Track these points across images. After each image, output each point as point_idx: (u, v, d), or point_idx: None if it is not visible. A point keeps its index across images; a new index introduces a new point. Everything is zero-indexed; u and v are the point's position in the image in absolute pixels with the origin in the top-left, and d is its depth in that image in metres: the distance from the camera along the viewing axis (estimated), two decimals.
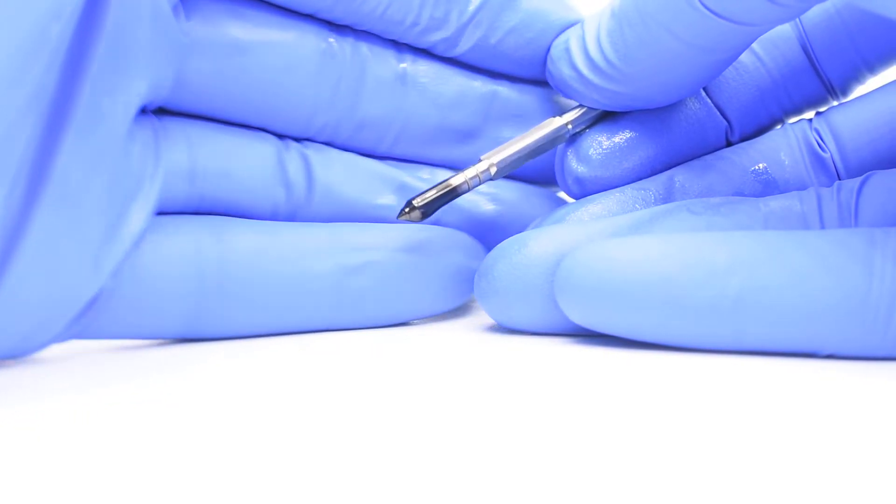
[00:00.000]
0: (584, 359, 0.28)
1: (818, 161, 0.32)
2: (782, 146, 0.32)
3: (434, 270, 0.32)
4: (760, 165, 0.32)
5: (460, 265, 0.33)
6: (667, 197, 0.32)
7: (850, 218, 0.30)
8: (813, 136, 0.32)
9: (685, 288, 0.27)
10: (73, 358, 0.29)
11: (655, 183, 0.32)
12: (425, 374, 0.27)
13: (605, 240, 0.29)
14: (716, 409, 0.23)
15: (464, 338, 0.31)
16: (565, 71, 0.31)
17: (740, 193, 0.32)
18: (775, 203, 0.30)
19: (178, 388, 0.25)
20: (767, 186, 0.32)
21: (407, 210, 0.30)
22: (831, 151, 0.32)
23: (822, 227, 0.30)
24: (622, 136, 0.32)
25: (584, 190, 0.32)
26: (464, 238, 0.33)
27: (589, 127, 0.32)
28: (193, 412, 0.23)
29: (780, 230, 0.29)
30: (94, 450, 0.20)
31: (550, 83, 0.33)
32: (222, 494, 0.18)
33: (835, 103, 0.33)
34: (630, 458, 0.20)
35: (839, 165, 0.32)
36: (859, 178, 0.30)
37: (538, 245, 0.30)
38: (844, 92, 0.33)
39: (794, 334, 0.27)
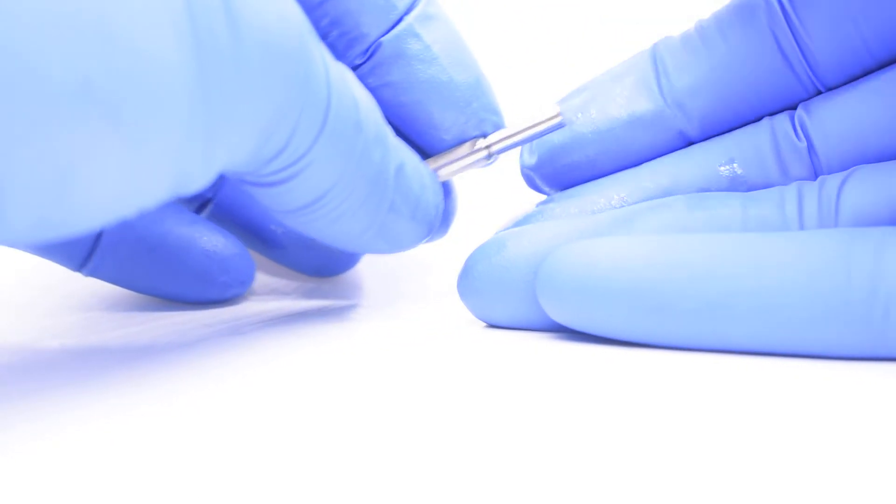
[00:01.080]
0: (569, 355, 0.28)
1: (794, 151, 0.32)
2: (754, 137, 0.32)
3: None
4: (728, 161, 0.32)
5: None
6: (631, 193, 0.33)
7: (831, 216, 0.29)
8: (790, 125, 0.32)
9: (667, 291, 0.27)
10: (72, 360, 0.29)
11: (619, 182, 0.33)
12: (416, 370, 0.27)
13: (586, 239, 0.29)
14: (698, 407, 0.23)
15: (452, 333, 0.32)
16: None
17: (706, 189, 0.32)
18: (756, 200, 0.30)
19: (163, 383, 0.26)
20: (734, 182, 0.32)
21: None
22: (812, 140, 0.31)
23: (802, 224, 0.30)
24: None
25: (537, 181, 0.35)
26: None
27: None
28: (178, 412, 0.23)
29: (762, 232, 0.28)
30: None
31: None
32: (215, 494, 0.18)
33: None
34: (610, 455, 0.20)
35: (820, 153, 0.31)
36: (842, 175, 0.30)
37: (516, 246, 0.31)
38: (835, 84, 0.32)
39: (774, 337, 0.27)
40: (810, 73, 0.32)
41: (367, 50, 0.33)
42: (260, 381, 0.26)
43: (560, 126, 0.32)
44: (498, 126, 0.33)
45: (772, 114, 0.33)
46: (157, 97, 0.21)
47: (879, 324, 0.25)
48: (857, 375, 0.25)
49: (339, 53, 0.33)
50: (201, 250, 0.36)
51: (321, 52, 0.27)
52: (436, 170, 0.33)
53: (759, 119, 0.33)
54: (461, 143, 0.33)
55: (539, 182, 0.35)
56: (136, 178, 0.21)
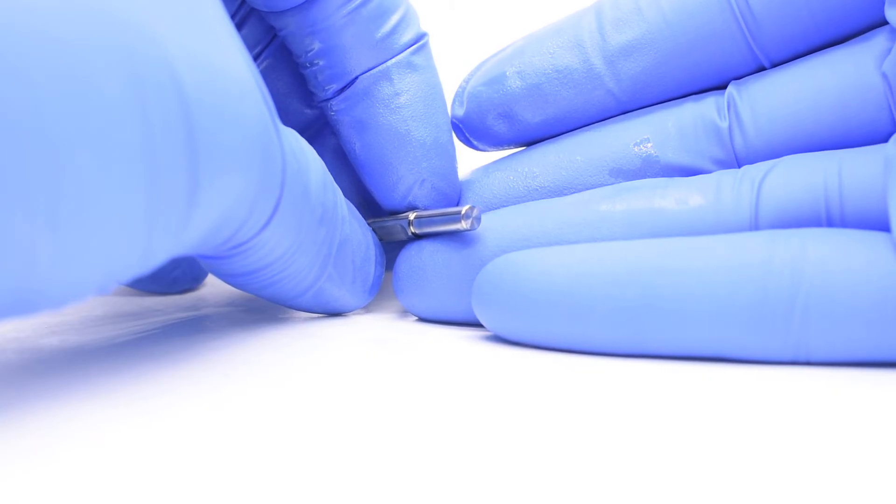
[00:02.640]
0: (501, 358, 0.29)
1: (713, 133, 0.31)
2: (674, 116, 0.32)
3: None
4: (643, 140, 0.32)
5: None
6: (544, 172, 0.34)
7: (752, 210, 0.29)
8: (714, 105, 0.32)
9: (585, 298, 0.28)
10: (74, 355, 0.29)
11: (533, 157, 0.34)
12: (411, 378, 0.27)
13: (513, 252, 0.30)
14: (623, 412, 0.23)
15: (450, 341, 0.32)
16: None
17: (618, 170, 0.32)
18: (675, 190, 0.30)
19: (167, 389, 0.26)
20: (646, 163, 0.32)
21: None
22: (741, 118, 0.31)
23: (720, 217, 0.29)
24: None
25: (466, 134, 0.35)
26: None
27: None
28: (180, 419, 0.23)
29: (681, 236, 0.28)
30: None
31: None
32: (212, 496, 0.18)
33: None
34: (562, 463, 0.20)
35: (749, 133, 0.31)
36: (765, 167, 0.29)
37: (427, 250, 0.34)
38: (779, 59, 0.31)
39: (695, 341, 0.27)
40: (754, 44, 0.31)
41: (344, 86, 0.33)
42: (264, 380, 0.27)
43: (467, 229, 0.32)
44: (439, 191, 0.34)
45: (707, 89, 0.32)
46: (98, 212, 0.21)
47: (798, 329, 0.25)
48: (775, 380, 0.25)
49: (317, 84, 0.33)
50: None
51: (280, 144, 0.27)
52: (373, 231, 0.35)
53: (699, 92, 0.33)
54: (398, 211, 0.34)
55: (468, 135, 0.35)
56: (69, 275, 0.21)
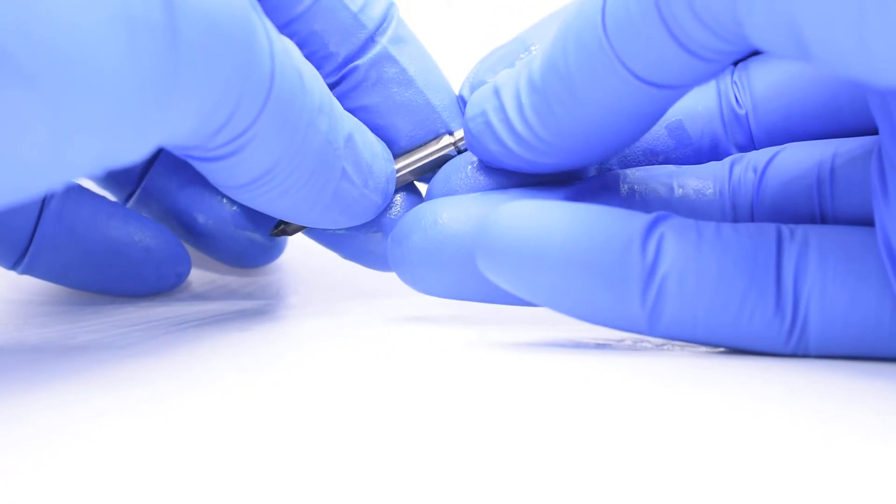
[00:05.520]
0: (496, 351, 0.29)
1: (735, 117, 0.32)
2: (701, 98, 0.33)
3: None
4: (675, 120, 0.33)
5: None
6: None
7: (749, 198, 0.30)
8: (732, 91, 0.32)
9: (590, 252, 0.27)
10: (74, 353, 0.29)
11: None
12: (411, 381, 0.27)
13: (521, 200, 0.29)
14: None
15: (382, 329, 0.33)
16: (492, 147, 0.31)
17: (652, 149, 0.33)
18: (686, 177, 0.31)
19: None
20: (681, 143, 0.33)
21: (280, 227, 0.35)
22: (747, 108, 0.32)
23: (725, 204, 0.30)
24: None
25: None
26: None
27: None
28: (176, 418, 0.23)
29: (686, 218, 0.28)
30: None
31: (473, 153, 0.33)
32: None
33: None
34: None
35: (752, 122, 0.32)
36: (769, 154, 0.30)
37: (452, 219, 0.32)
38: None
39: (698, 319, 0.27)
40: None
41: (338, 69, 0.33)
42: (262, 379, 0.27)
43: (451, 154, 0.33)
44: None
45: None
46: (76, 68, 0.21)
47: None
48: (776, 373, 0.25)
49: None
50: (136, 246, 0.36)
51: (265, 26, 0.27)
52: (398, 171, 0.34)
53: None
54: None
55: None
56: (57, 147, 0.21)
